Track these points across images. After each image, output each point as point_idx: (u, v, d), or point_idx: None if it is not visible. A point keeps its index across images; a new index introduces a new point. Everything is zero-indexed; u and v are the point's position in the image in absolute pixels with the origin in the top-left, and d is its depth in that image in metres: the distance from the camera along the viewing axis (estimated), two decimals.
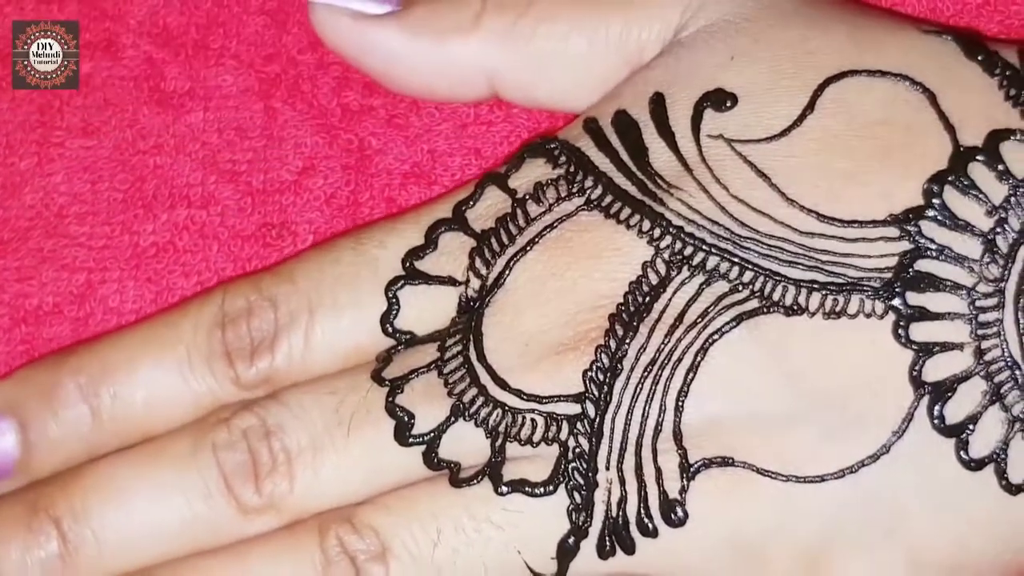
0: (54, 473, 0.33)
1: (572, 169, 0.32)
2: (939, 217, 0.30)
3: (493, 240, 0.32)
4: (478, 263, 0.31)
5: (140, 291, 0.36)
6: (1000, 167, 0.30)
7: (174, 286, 0.36)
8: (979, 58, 0.31)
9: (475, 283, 0.31)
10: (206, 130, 0.36)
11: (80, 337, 0.36)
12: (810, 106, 0.31)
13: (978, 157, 0.30)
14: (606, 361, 0.30)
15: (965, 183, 0.30)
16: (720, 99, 0.31)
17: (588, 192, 0.31)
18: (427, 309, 0.32)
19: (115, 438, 0.32)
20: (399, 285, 0.32)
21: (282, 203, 0.36)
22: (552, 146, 0.32)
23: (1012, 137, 0.30)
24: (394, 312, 0.32)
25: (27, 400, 0.32)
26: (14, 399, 0.32)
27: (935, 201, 0.30)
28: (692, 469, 0.30)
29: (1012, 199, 0.30)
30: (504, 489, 0.30)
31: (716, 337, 0.30)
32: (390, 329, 0.32)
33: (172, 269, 0.36)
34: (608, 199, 0.31)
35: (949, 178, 0.30)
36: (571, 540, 0.30)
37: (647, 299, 0.30)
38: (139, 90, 0.36)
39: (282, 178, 0.36)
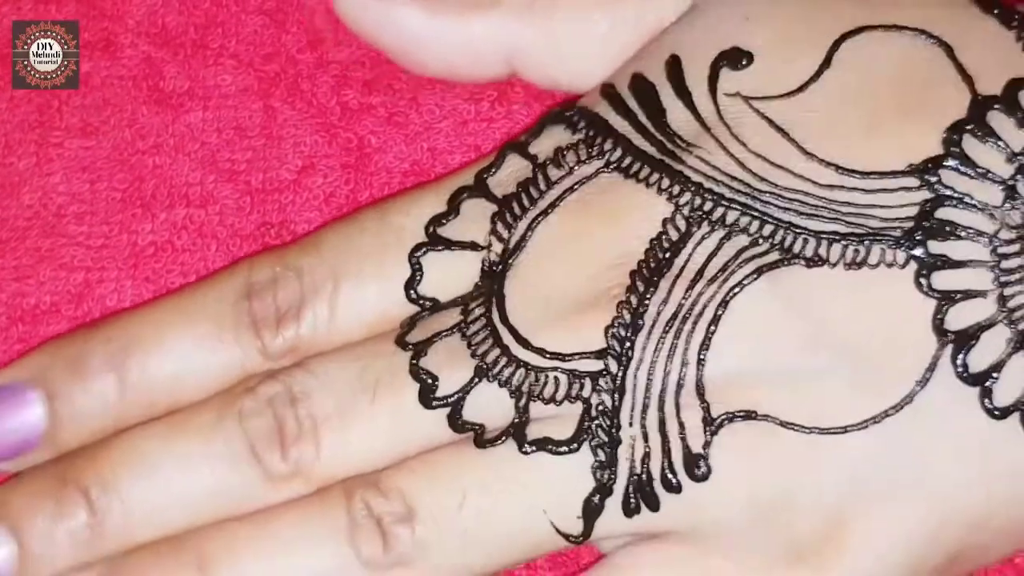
0: (81, 445, 0.33)
1: (591, 133, 0.32)
2: (959, 166, 0.30)
3: (515, 204, 0.32)
4: (500, 227, 0.32)
5: (138, 290, 0.36)
6: (1019, 115, 0.30)
7: (172, 285, 0.36)
8: (995, 12, 0.32)
9: (497, 247, 0.32)
10: (205, 129, 0.36)
11: None
12: (826, 62, 0.31)
13: (996, 106, 0.30)
14: (628, 317, 0.30)
15: (984, 131, 0.30)
16: (736, 57, 0.32)
17: (607, 155, 0.32)
18: (450, 275, 0.32)
19: (142, 409, 0.32)
20: (422, 251, 0.32)
21: (281, 202, 0.36)
22: (570, 112, 0.32)
23: None
24: (418, 278, 0.32)
25: (55, 372, 0.32)
26: (42, 371, 0.32)
27: (954, 150, 0.30)
28: (715, 423, 0.30)
29: None
30: (529, 448, 0.31)
31: (737, 290, 0.30)
32: (414, 295, 0.32)
33: (170, 268, 0.36)
34: (627, 160, 0.31)
35: (968, 127, 0.30)
36: (596, 498, 0.31)
37: (668, 255, 0.31)
38: (138, 90, 0.36)
39: (281, 177, 0.36)
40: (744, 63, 0.31)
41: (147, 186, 0.36)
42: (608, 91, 0.32)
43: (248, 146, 0.36)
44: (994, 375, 0.30)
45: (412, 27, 0.33)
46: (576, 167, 0.32)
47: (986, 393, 0.30)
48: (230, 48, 0.37)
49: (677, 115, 0.31)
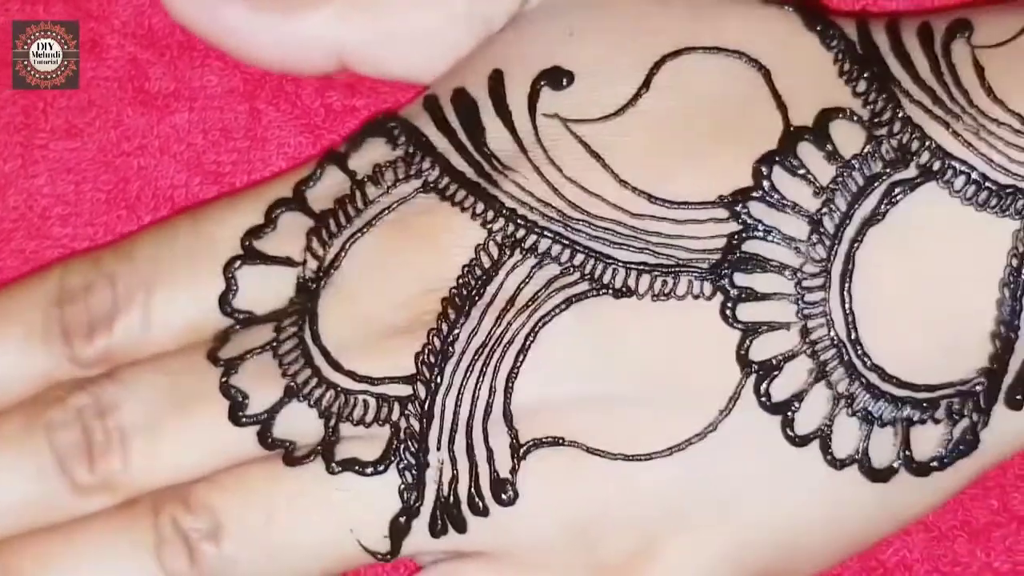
0: None
1: (410, 150, 0.33)
2: (767, 198, 0.31)
3: (331, 221, 0.33)
4: (315, 244, 0.33)
5: None
6: (828, 147, 0.31)
7: None
8: (818, 28, 0.32)
9: (312, 264, 0.33)
10: (191, 131, 0.37)
11: None
12: (645, 84, 0.32)
13: (807, 137, 0.31)
14: (438, 344, 0.31)
15: (794, 163, 0.31)
16: (557, 77, 0.32)
17: (425, 174, 0.32)
18: (265, 289, 0.33)
19: None
20: (237, 265, 0.33)
21: None
22: (392, 125, 0.33)
23: (842, 116, 0.31)
24: (232, 292, 0.33)
25: None
26: None
27: (764, 182, 0.31)
28: (522, 449, 0.31)
29: (839, 179, 0.31)
30: (336, 468, 0.32)
31: (546, 320, 0.31)
32: (228, 309, 0.33)
33: None
34: (444, 181, 0.32)
35: (777, 158, 0.31)
36: (402, 519, 0.32)
37: (480, 282, 0.32)
38: (123, 91, 0.37)
39: (266, 179, 0.36)
40: (565, 83, 0.32)
41: (132, 188, 0.38)
42: (430, 104, 0.33)
43: (233, 148, 0.37)
44: (796, 404, 0.31)
45: (236, 23, 0.34)
46: (394, 186, 0.33)
47: (788, 422, 0.31)
48: (216, 50, 0.36)
49: (496, 135, 0.32)
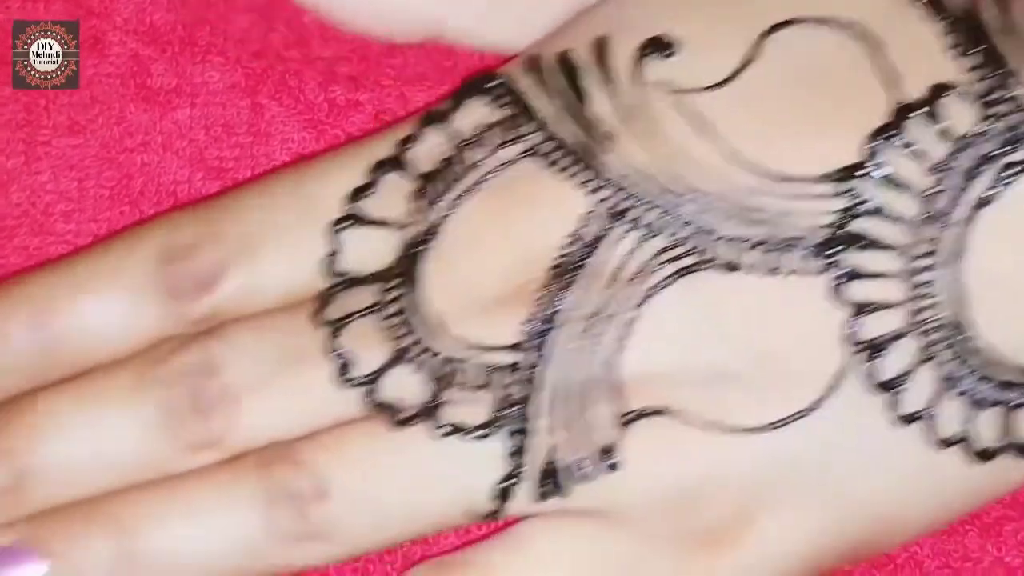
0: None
1: (513, 114, 0.33)
2: (876, 175, 0.31)
3: (435, 184, 0.33)
4: (419, 207, 0.33)
5: None
6: (940, 124, 0.31)
7: None
8: (924, 0, 0.32)
9: (415, 227, 0.33)
10: (193, 127, 0.37)
11: None
12: (752, 55, 0.32)
13: (918, 112, 0.31)
14: (543, 313, 0.32)
15: (904, 140, 0.31)
16: (663, 46, 0.32)
17: (529, 139, 0.32)
18: (368, 251, 0.33)
19: (57, 370, 0.33)
20: (341, 227, 0.33)
21: None
22: (493, 86, 0.33)
23: (953, 91, 0.31)
24: (336, 254, 0.33)
25: None
26: None
27: (874, 159, 0.31)
28: (626, 418, 0.32)
29: (951, 158, 0.31)
30: (440, 432, 0.32)
31: (653, 292, 0.31)
32: (331, 270, 0.33)
33: None
34: (549, 147, 0.32)
35: (888, 134, 0.31)
36: (505, 484, 0.32)
37: (585, 252, 0.32)
38: (126, 87, 0.37)
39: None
40: (670, 52, 0.32)
41: (135, 184, 0.37)
42: (532, 66, 0.32)
43: (236, 143, 0.37)
44: (901, 384, 0.31)
45: None
46: (498, 149, 0.33)
47: (893, 402, 0.31)
48: (218, 45, 0.37)
49: (600, 102, 0.32)
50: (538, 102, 0.33)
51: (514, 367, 0.32)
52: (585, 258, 0.32)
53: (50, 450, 0.33)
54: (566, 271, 0.32)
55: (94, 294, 0.33)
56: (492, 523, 0.33)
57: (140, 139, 0.37)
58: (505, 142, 0.32)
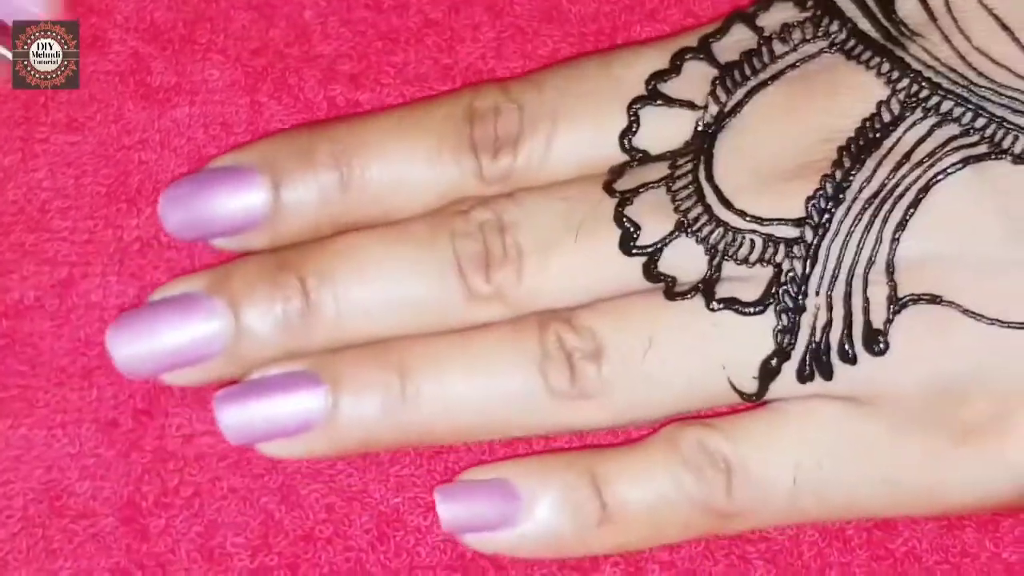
0: (296, 239, 0.35)
1: (819, 12, 0.34)
2: None
3: (736, 71, 0.34)
4: (719, 90, 0.34)
5: (123, 286, 0.37)
6: None
7: (158, 282, 0.37)
8: None
9: (713, 108, 0.34)
10: (192, 125, 0.37)
11: (61, 332, 0.37)
12: None
13: None
14: (830, 190, 0.32)
15: None
16: None
17: (832, 36, 0.34)
18: (663, 130, 0.34)
19: (358, 212, 0.34)
20: (641, 104, 0.34)
21: None
22: None
23: None
24: (634, 129, 0.34)
25: (282, 159, 0.34)
26: (269, 157, 0.34)
27: None
28: (900, 302, 0.32)
29: None
30: (716, 305, 0.33)
31: (941, 177, 0.32)
32: (627, 145, 0.34)
33: (156, 265, 0.37)
34: (851, 42, 0.33)
35: None
36: (774, 361, 0.33)
37: (877, 135, 0.33)
38: (125, 85, 0.37)
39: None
40: None
41: (133, 181, 0.37)
42: None
43: (235, 142, 0.37)
44: None
45: None
46: (800, 45, 0.34)
47: None
48: (218, 43, 0.38)
49: (906, 3, 0.33)
50: (843, 3, 0.34)
51: (795, 241, 0.32)
52: (877, 141, 0.32)
53: (350, 286, 0.34)
54: (857, 151, 0.32)
55: (400, 141, 0.34)
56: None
57: (138, 137, 0.37)
58: (808, 38, 0.34)
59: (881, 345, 0.32)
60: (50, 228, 0.37)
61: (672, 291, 0.33)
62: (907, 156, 0.32)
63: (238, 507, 0.35)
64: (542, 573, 0.35)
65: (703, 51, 0.34)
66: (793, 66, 0.33)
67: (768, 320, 0.33)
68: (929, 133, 0.32)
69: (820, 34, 0.33)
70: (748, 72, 0.34)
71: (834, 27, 0.34)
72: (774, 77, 0.33)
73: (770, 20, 0.34)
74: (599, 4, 0.37)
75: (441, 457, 0.35)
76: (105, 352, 0.35)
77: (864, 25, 0.33)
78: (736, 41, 0.34)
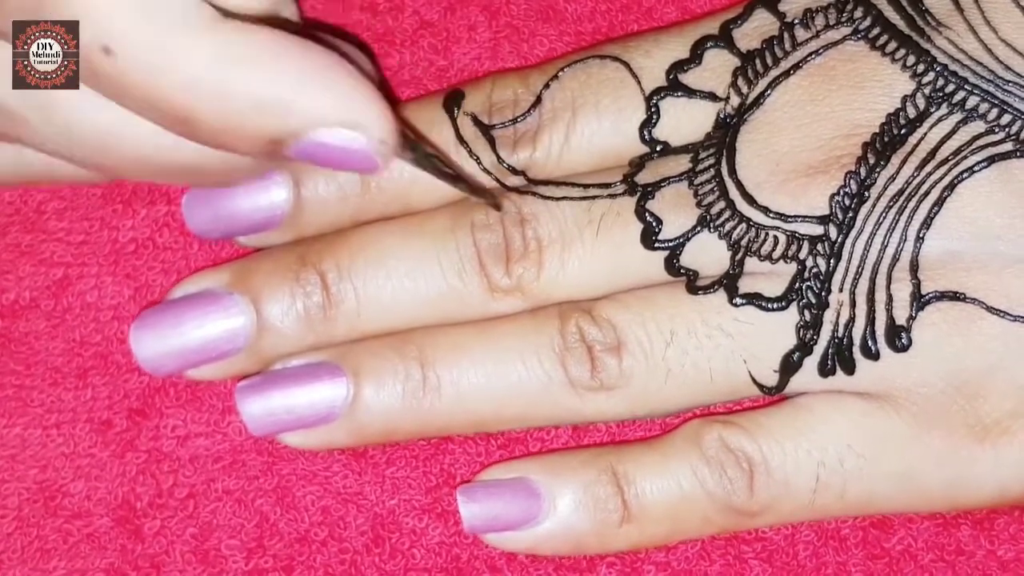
0: (319, 234, 0.35)
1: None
2: None
3: (758, 60, 0.34)
4: (740, 81, 0.34)
5: (118, 287, 0.37)
6: None
7: (153, 283, 0.37)
8: None
9: (735, 100, 0.34)
10: None
11: (56, 332, 0.37)
12: None
13: None
14: (854, 187, 0.32)
15: None
16: None
17: (857, 23, 0.34)
18: (684, 121, 0.34)
19: (378, 206, 0.35)
20: (661, 95, 0.34)
21: None
22: None
23: None
24: (654, 120, 0.34)
25: None
26: None
27: None
28: (923, 299, 0.32)
29: None
30: (738, 300, 0.33)
31: (966, 175, 0.32)
32: (647, 136, 0.34)
33: (151, 265, 0.37)
34: (876, 31, 0.33)
35: None
36: (796, 356, 0.33)
37: (903, 131, 0.33)
38: None
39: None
40: None
41: (128, 183, 0.37)
42: None
43: None
44: None
45: None
46: (824, 31, 0.34)
47: None
48: None
49: None
50: None
51: (819, 239, 0.32)
52: (902, 137, 0.32)
53: (370, 279, 0.34)
54: (882, 148, 0.32)
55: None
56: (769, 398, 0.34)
57: None
58: (832, 24, 0.34)
59: (904, 341, 0.32)
60: (46, 229, 0.36)
61: (694, 285, 0.33)
62: (932, 153, 0.32)
63: (233, 509, 0.35)
64: (539, 574, 0.35)
65: (724, 39, 0.34)
66: (816, 53, 0.33)
67: (790, 315, 0.33)
68: (954, 130, 0.32)
69: (844, 21, 0.33)
70: (770, 61, 0.34)
71: (859, 14, 0.33)
72: (796, 67, 0.33)
73: (792, 5, 0.34)
74: (595, 3, 0.38)
75: (436, 459, 0.35)
76: (100, 352, 0.35)
77: (890, 13, 0.33)
78: (757, 27, 0.34)
